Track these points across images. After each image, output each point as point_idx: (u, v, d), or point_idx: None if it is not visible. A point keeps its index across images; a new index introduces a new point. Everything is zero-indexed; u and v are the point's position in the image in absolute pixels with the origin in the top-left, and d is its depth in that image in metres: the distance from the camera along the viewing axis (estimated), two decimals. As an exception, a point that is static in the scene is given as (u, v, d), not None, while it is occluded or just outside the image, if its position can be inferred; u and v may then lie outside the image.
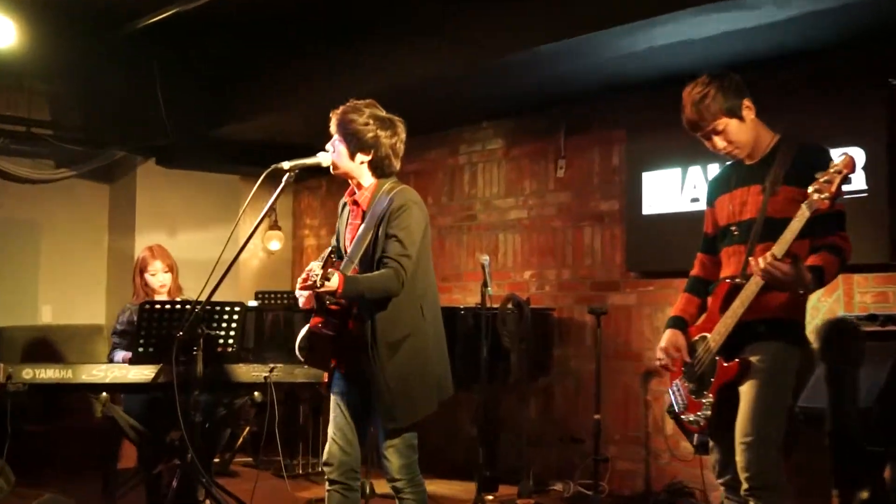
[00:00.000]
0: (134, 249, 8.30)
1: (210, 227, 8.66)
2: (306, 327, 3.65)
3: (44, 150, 8.04)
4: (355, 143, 3.61)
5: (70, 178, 8.37)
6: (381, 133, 3.62)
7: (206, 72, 7.36)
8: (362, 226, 3.61)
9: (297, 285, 3.41)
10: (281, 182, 3.64)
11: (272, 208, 3.79)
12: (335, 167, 3.65)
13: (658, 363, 3.63)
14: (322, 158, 3.66)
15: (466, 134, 7.61)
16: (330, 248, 3.40)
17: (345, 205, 3.83)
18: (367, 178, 3.68)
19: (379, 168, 3.66)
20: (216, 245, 8.37)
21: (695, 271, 3.73)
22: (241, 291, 8.68)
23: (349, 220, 3.74)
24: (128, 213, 8.49)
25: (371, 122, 3.60)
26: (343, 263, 3.57)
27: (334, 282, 3.36)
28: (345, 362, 3.69)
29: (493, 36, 5.53)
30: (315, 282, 3.29)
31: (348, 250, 3.64)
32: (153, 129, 7.41)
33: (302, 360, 3.71)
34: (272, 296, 7.76)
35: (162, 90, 7.15)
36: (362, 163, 3.64)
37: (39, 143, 7.82)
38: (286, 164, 3.63)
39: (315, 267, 3.31)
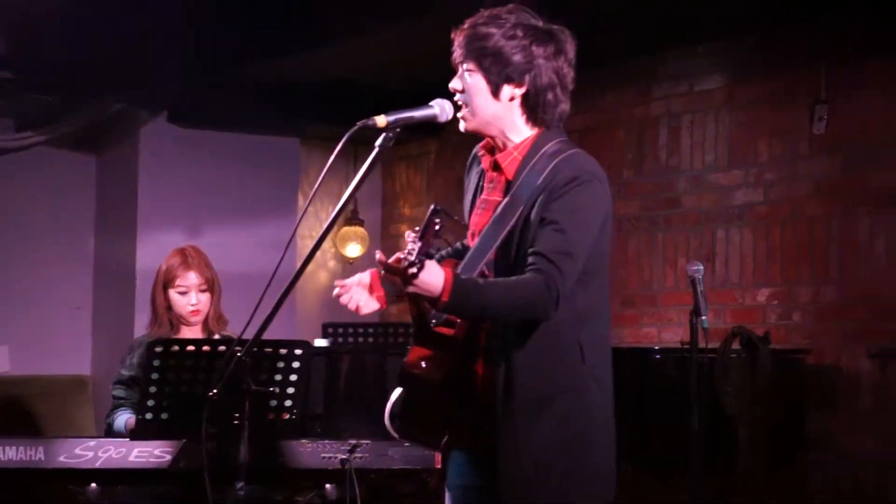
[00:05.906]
0: (134, 257, 8.51)
1: (254, 220, 8.83)
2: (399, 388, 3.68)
3: (-4, 103, 8.28)
4: (498, 69, 3.62)
5: (36, 147, 8.56)
6: (537, 49, 3.62)
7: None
8: (503, 202, 3.61)
9: (378, 257, 3.29)
10: (373, 148, 3.65)
11: (356, 190, 3.83)
12: (469, 116, 3.65)
13: None
14: (439, 108, 3.67)
15: (665, 66, 7.60)
16: (432, 208, 3.31)
17: (476, 165, 3.83)
18: (518, 131, 3.69)
19: (537, 110, 3.67)
20: (263, 250, 8.50)
21: None
22: (300, 324, 8.79)
23: (481, 195, 3.73)
24: (125, 199, 8.71)
25: (519, 32, 3.62)
26: (464, 262, 3.55)
27: (432, 277, 3.29)
28: (468, 434, 3.67)
29: None
30: (405, 266, 3.17)
31: (475, 240, 3.64)
32: (165, 67, 7.57)
33: (395, 433, 3.72)
34: (351, 331, 7.82)
35: (181, 9, 7.26)
36: (512, 99, 3.65)
37: (-11, 92, 8.05)
38: (382, 119, 3.63)
39: (411, 241, 3.22)
